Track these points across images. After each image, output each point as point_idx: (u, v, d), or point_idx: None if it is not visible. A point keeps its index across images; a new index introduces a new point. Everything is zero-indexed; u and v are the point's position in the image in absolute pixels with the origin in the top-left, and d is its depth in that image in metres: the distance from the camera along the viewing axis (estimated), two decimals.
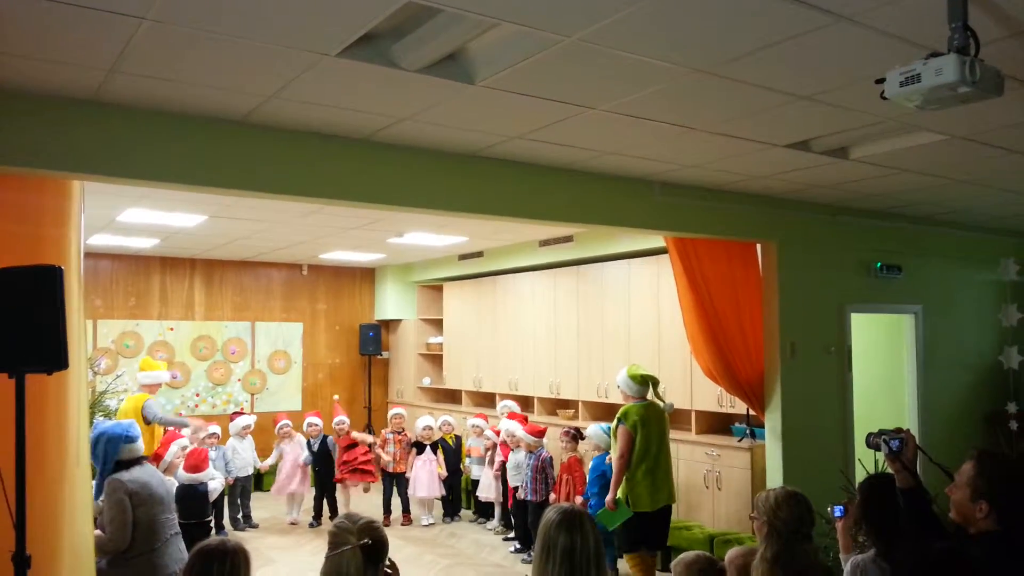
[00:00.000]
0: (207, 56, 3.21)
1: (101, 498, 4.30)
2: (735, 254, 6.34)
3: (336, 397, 10.84)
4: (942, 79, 2.47)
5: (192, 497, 5.87)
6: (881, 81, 2.71)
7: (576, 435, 7.25)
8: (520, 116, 4.03)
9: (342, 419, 8.83)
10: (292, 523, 8.62)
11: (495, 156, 4.88)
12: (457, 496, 8.94)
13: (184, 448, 6.03)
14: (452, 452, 8.83)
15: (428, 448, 8.67)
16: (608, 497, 5.96)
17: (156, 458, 5.86)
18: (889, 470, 3.23)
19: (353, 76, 3.42)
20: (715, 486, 6.75)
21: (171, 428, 7.26)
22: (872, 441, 3.13)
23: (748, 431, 6.69)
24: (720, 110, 3.95)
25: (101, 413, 7.61)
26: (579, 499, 6.79)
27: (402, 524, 8.50)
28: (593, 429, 6.83)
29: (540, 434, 7.43)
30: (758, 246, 6.45)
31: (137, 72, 3.39)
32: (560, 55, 3.20)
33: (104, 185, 5.55)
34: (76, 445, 3.76)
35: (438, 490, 8.63)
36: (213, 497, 6.25)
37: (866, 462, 6.14)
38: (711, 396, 6.98)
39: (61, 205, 3.95)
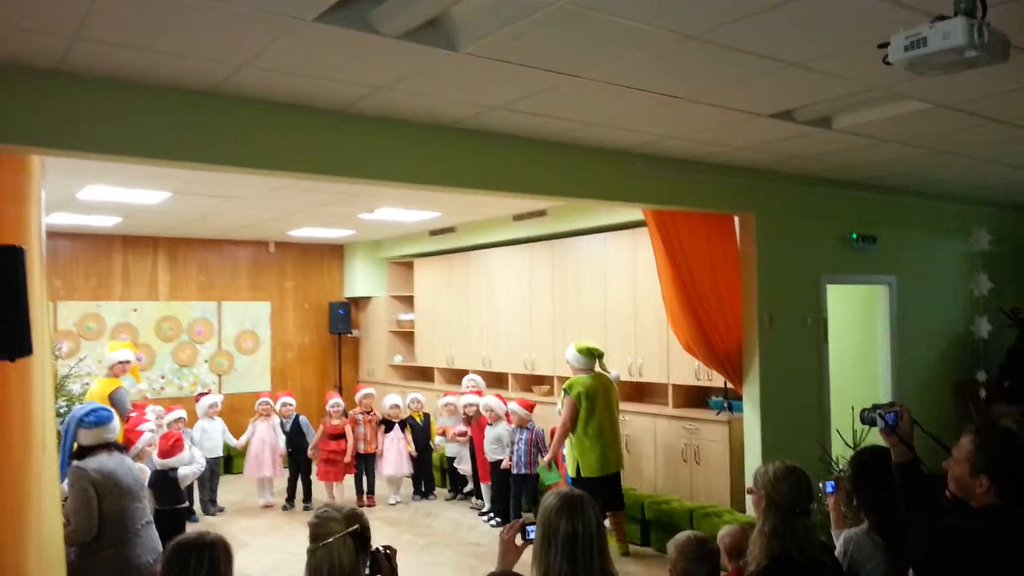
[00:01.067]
0: (176, 21, 3.03)
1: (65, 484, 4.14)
2: (713, 226, 6.29)
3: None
4: (949, 43, 2.40)
5: (166, 483, 5.69)
6: (884, 46, 2.63)
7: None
8: (503, 85, 3.90)
9: (337, 401, 8.62)
10: (265, 506, 8.46)
11: (474, 128, 4.75)
12: (429, 474, 8.84)
13: (153, 434, 5.84)
14: (421, 430, 8.74)
15: (396, 426, 8.59)
16: (545, 458, 6.57)
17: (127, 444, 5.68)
18: (871, 444, 3.21)
19: (330, 42, 3.26)
20: (693, 460, 6.75)
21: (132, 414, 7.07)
22: (867, 416, 3.08)
23: (726, 404, 6.69)
24: (707, 78, 3.86)
25: (64, 399, 7.37)
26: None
27: (367, 505, 8.31)
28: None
29: (531, 408, 7.44)
30: (736, 218, 6.41)
31: (101, 39, 3.20)
32: (546, 20, 3.07)
33: (63, 161, 5.33)
34: (42, 432, 3.59)
35: (406, 468, 8.56)
36: (187, 483, 6.05)
37: (844, 433, 6.19)
38: (688, 370, 6.96)
39: (20, 181, 3.74)
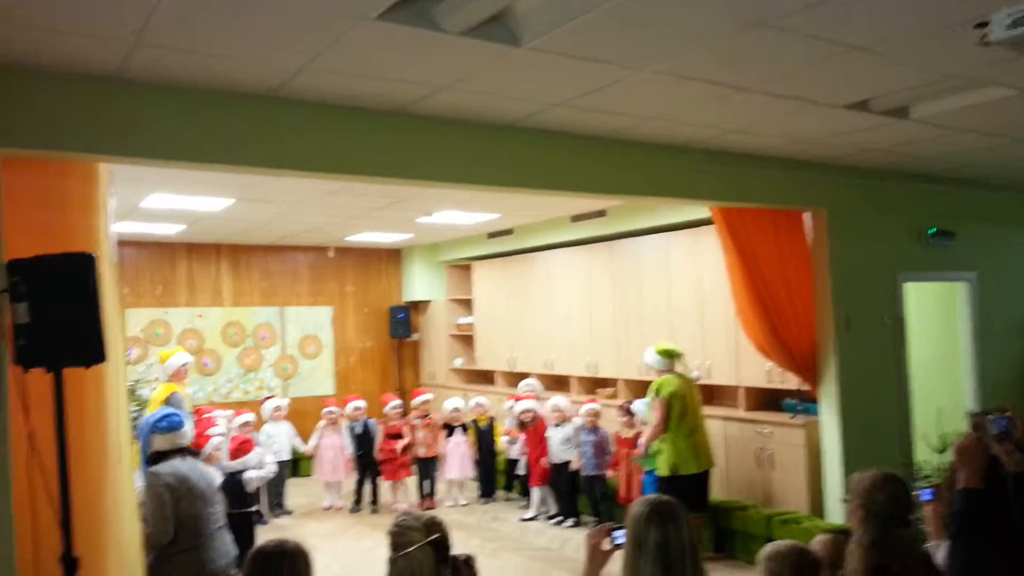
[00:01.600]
0: (237, 24, 3.01)
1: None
2: (782, 224, 6.08)
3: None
4: None
5: (235, 486, 5.71)
6: (982, 25, 2.46)
7: (631, 410, 7.13)
8: (565, 81, 3.80)
9: (397, 403, 8.63)
10: (327, 508, 8.49)
11: (534, 127, 4.66)
12: (492, 478, 8.81)
13: (222, 438, 5.88)
14: (485, 434, 8.71)
15: (458, 430, 8.56)
16: (643, 444, 6.44)
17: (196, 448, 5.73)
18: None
19: (392, 41, 3.21)
20: (768, 465, 6.53)
21: (204, 417, 7.16)
22: (976, 422, 2.87)
23: (800, 407, 6.46)
24: (775, 67, 3.71)
25: (135, 404, 7.51)
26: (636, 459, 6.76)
27: (427, 508, 8.32)
28: (637, 405, 6.93)
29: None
30: (805, 215, 6.19)
31: (161, 44, 3.20)
32: (611, 13, 2.97)
33: (126, 170, 5.38)
34: (117, 440, 3.61)
35: (469, 471, 8.54)
36: (254, 486, 6.04)
37: (930, 438, 5.92)
38: (759, 371, 6.74)
39: (87, 190, 3.79)
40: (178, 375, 7.26)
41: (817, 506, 6.14)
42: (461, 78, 3.72)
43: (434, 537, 2.37)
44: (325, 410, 8.72)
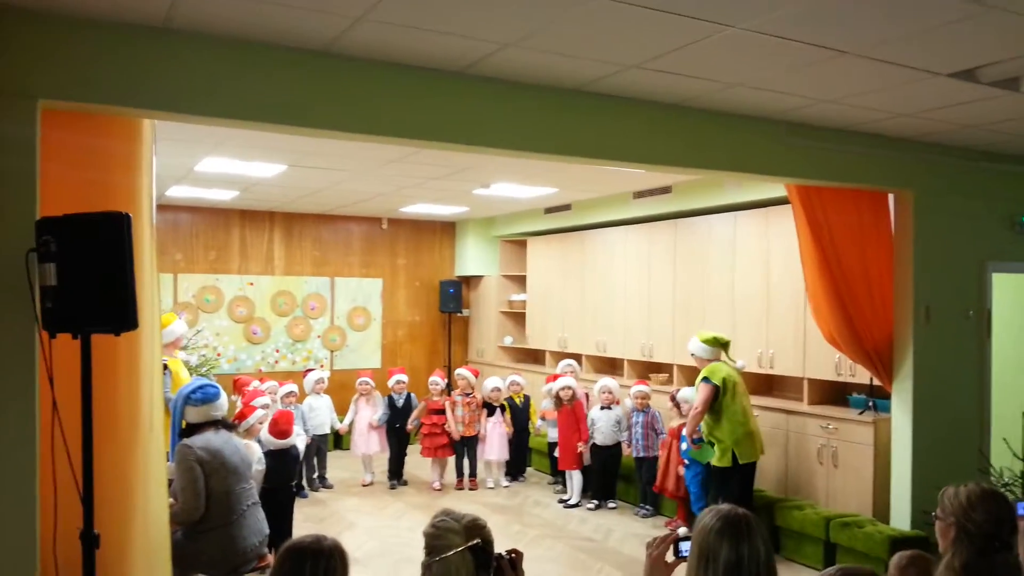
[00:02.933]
0: None
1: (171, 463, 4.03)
2: (865, 205, 5.66)
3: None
4: None
5: (281, 462, 5.55)
6: None
7: (677, 400, 6.95)
8: (643, 38, 3.45)
9: (436, 379, 8.48)
10: (365, 484, 8.36)
11: (605, 91, 4.32)
12: (523, 456, 8.73)
13: (266, 409, 5.72)
14: (520, 411, 8.57)
15: (498, 410, 8.40)
16: (687, 433, 6.38)
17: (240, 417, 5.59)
18: None
19: None
20: (830, 462, 6.15)
21: (248, 389, 7.07)
22: None
23: (870, 403, 6.06)
24: (882, 28, 3.31)
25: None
26: (682, 469, 6.67)
27: (469, 488, 8.27)
28: (688, 392, 6.74)
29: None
30: (890, 196, 5.75)
31: None
32: None
33: (180, 133, 5.26)
34: (149, 409, 3.43)
35: (506, 453, 8.41)
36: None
37: (1011, 441, 5.48)
38: (828, 363, 6.35)
39: (131, 149, 3.59)
40: (175, 344, 6.14)
41: (882, 510, 5.76)
42: (530, 33, 3.41)
43: (474, 543, 2.11)
44: (359, 381, 8.57)
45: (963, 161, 5.79)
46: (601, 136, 4.48)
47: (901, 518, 5.54)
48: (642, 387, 7.41)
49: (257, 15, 3.22)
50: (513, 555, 2.27)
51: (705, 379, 6.16)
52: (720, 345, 6.33)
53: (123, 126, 3.55)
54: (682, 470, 6.64)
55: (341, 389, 9.40)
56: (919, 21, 3.23)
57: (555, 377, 8.04)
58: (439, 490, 8.17)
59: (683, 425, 6.64)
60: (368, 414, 8.44)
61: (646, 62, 3.78)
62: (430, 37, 3.47)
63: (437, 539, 2.15)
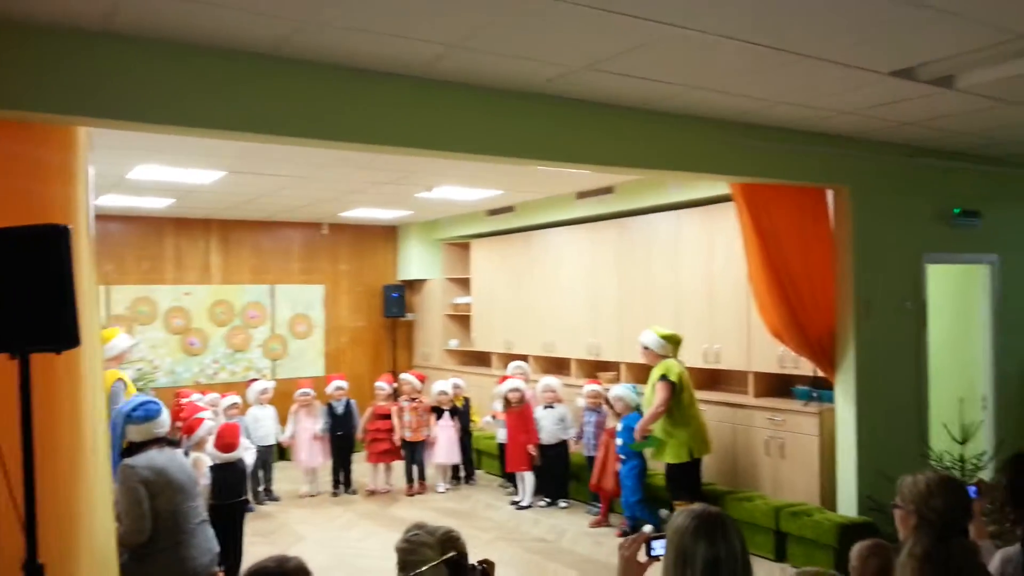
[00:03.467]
0: None
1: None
2: (805, 202, 5.78)
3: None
4: None
5: (227, 476, 5.39)
6: None
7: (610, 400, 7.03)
8: (597, 38, 3.45)
9: (382, 384, 8.42)
10: (304, 495, 8.19)
11: (555, 93, 4.32)
12: (468, 459, 8.75)
13: (213, 422, 5.56)
14: (461, 414, 8.59)
15: (446, 413, 8.39)
16: (640, 426, 6.29)
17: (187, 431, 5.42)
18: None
19: None
20: (778, 453, 6.27)
21: (185, 401, 6.85)
22: None
23: (814, 394, 6.19)
24: (825, 27, 3.38)
25: None
26: (618, 465, 6.74)
27: (416, 493, 8.26)
28: (622, 390, 6.81)
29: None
30: (828, 193, 5.89)
31: None
32: None
33: (114, 139, 5.06)
34: (92, 431, 3.28)
35: (457, 455, 8.41)
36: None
37: (951, 427, 5.66)
38: (771, 356, 6.46)
39: (65, 159, 3.43)
40: (118, 359, 5.95)
41: (829, 498, 5.89)
42: (480, 34, 3.37)
43: (449, 556, 2.06)
44: (298, 392, 8.40)
45: (898, 157, 5.96)
46: (551, 138, 4.48)
47: (848, 505, 5.68)
48: (595, 386, 7.44)
49: (201, 18, 3.12)
50: (485, 565, 2.23)
51: (663, 377, 6.23)
52: (674, 343, 6.45)
53: (58, 135, 3.39)
54: (619, 466, 6.70)
55: (284, 399, 9.19)
56: (862, 20, 3.31)
57: (507, 379, 8.01)
58: (385, 493, 8.08)
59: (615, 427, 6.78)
60: (309, 425, 8.27)
61: (599, 63, 3.78)
62: (378, 40, 3.41)
63: (411, 554, 2.10)
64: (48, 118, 3.20)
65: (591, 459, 7.26)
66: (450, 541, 2.13)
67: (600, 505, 7.17)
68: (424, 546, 2.10)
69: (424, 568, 2.05)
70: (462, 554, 2.13)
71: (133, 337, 9.10)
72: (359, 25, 3.22)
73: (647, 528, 6.41)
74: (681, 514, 2.15)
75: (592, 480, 7.02)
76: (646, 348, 6.49)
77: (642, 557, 2.33)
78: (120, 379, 5.77)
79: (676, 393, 6.19)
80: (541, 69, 3.88)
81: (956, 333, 6.95)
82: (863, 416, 5.73)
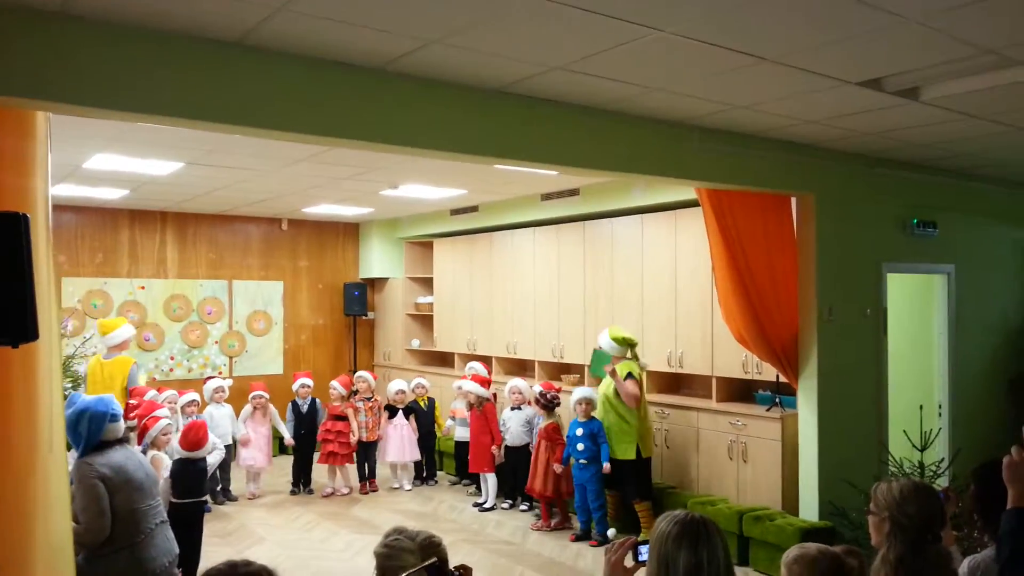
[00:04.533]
0: None
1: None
2: (770, 208, 5.83)
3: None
4: None
5: (188, 474, 5.24)
6: None
7: (550, 404, 7.02)
8: (572, 38, 3.43)
9: (335, 385, 8.33)
10: (252, 496, 8.04)
11: (524, 92, 4.28)
12: (431, 459, 8.74)
13: (169, 420, 5.41)
14: (425, 414, 8.59)
15: (400, 412, 8.37)
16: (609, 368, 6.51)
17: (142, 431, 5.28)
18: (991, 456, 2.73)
19: None
20: (740, 458, 6.32)
21: (145, 399, 6.67)
22: None
23: (776, 399, 6.25)
24: (798, 35, 3.40)
25: (69, 379, 6.96)
26: (558, 467, 6.75)
27: (371, 491, 8.26)
28: (586, 392, 6.71)
29: (487, 384, 7.49)
30: (793, 200, 5.95)
31: None
32: None
33: (71, 128, 4.91)
34: (49, 428, 3.16)
35: (409, 454, 8.37)
36: (210, 472, 5.53)
37: (911, 433, 5.75)
38: (735, 361, 6.52)
39: (23, 147, 3.28)
40: (123, 346, 7.24)
41: (791, 502, 5.96)
42: (455, 30, 3.33)
43: (430, 562, 2.02)
44: (252, 394, 8.24)
45: (861, 167, 6.06)
46: (520, 137, 4.44)
47: (810, 510, 5.74)
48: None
49: (166, 2, 3.01)
50: (461, 571, 2.19)
51: (630, 375, 6.39)
52: (629, 346, 6.57)
53: (15, 120, 3.24)
54: (559, 468, 6.72)
55: (241, 397, 9.02)
56: (834, 30, 3.33)
57: (465, 379, 7.96)
58: (332, 495, 7.99)
59: (552, 425, 6.88)
60: (260, 428, 8.12)
61: (570, 63, 3.76)
62: (350, 31, 3.34)
63: (390, 559, 2.04)
64: (2, 101, 3.07)
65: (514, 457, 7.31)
66: (431, 547, 2.08)
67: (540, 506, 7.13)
68: (404, 551, 2.05)
69: (404, 574, 1.99)
70: (443, 560, 2.08)
71: (85, 330, 8.90)
72: (333, 15, 3.15)
73: (611, 533, 6.42)
74: (664, 519, 2.13)
75: (528, 483, 6.98)
76: (600, 348, 6.65)
77: (628, 562, 2.31)
78: (135, 363, 7.18)
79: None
80: (513, 67, 3.84)
81: (915, 341, 7.09)
82: (824, 422, 5.80)
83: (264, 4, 3.05)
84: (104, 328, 7.29)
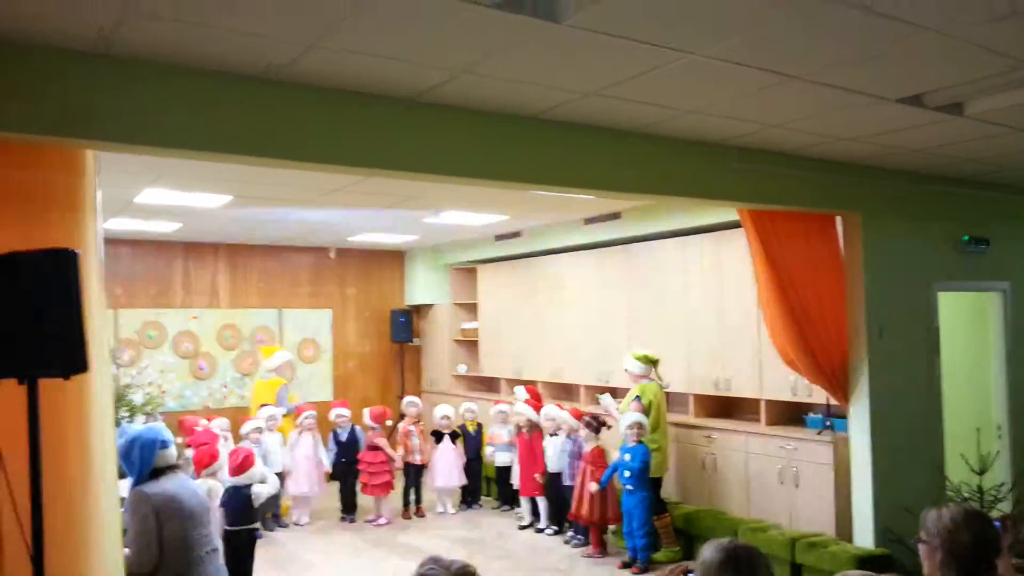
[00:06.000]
0: None
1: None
2: (814, 228, 5.75)
3: None
4: None
5: (239, 501, 5.32)
6: None
7: (598, 425, 6.93)
8: (605, 65, 3.45)
9: (378, 411, 8.38)
10: (298, 523, 8.10)
11: (558, 119, 4.31)
12: (477, 484, 8.73)
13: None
14: (473, 439, 8.64)
15: (447, 437, 8.45)
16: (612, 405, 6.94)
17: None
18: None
19: (414, 13, 2.86)
20: (792, 483, 6.19)
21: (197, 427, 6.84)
22: None
23: (827, 422, 6.12)
24: (832, 53, 3.36)
25: (125, 408, 7.13)
26: (593, 486, 6.64)
27: (416, 516, 8.29)
28: (636, 417, 6.57)
29: (580, 418, 7.17)
30: (838, 220, 5.86)
31: (153, 13, 2.83)
32: None
33: (120, 163, 5.07)
34: (101, 457, 3.25)
35: (457, 479, 8.42)
36: (260, 501, 5.57)
37: (969, 457, 5.58)
38: (784, 384, 6.40)
39: (73, 183, 3.42)
40: (282, 370, 8.43)
41: (845, 529, 5.80)
42: (488, 60, 3.37)
43: None
44: (304, 415, 8.29)
45: (908, 184, 5.94)
46: (555, 163, 4.46)
47: (864, 536, 5.59)
48: (558, 414, 7.44)
49: (204, 39, 3.11)
50: None
51: (637, 399, 6.73)
52: (651, 363, 6.86)
53: (65, 158, 3.38)
54: (594, 487, 6.61)
55: (291, 423, 9.15)
56: (869, 47, 3.29)
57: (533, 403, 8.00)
58: (384, 524, 8.00)
59: (597, 449, 6.78)
60: (308, 452, 8.18)
61: (604, 89, 3.78)
62: (385, 64, 3.41)
63: None
64: (48, 140, 3.18)
65: (569, 488, 7.13)
66: (466, 575, 2.08)
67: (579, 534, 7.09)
68: None
69: None
70: None
71: (141, 361, 9.13)
72: (364, 48, 3.22)
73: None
74: (709, 547, 2.11)
75: (574, 509, 6.89)
76: (628, 371, 6.92)
77: None
78: (283, 384, 8.39)
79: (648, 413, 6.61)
80: (546, 94, 3.87)
81: (970, 361, 6.88)
82: (878, 445, 5.66)
83: (297, 42, 3.13)
84: (265, 353, 8.57)
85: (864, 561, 5.16)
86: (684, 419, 7.22)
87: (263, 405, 8.17)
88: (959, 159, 5.55)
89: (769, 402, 6.62)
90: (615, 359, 8.17)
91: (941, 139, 4.91)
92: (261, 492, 5.46)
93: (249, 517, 5.38)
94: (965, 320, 6.91)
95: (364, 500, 8.36)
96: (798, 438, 6.19)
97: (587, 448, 6.89)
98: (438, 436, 8.45)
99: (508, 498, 8.37)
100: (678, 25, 3.00)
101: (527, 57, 3.33)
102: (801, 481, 6.12)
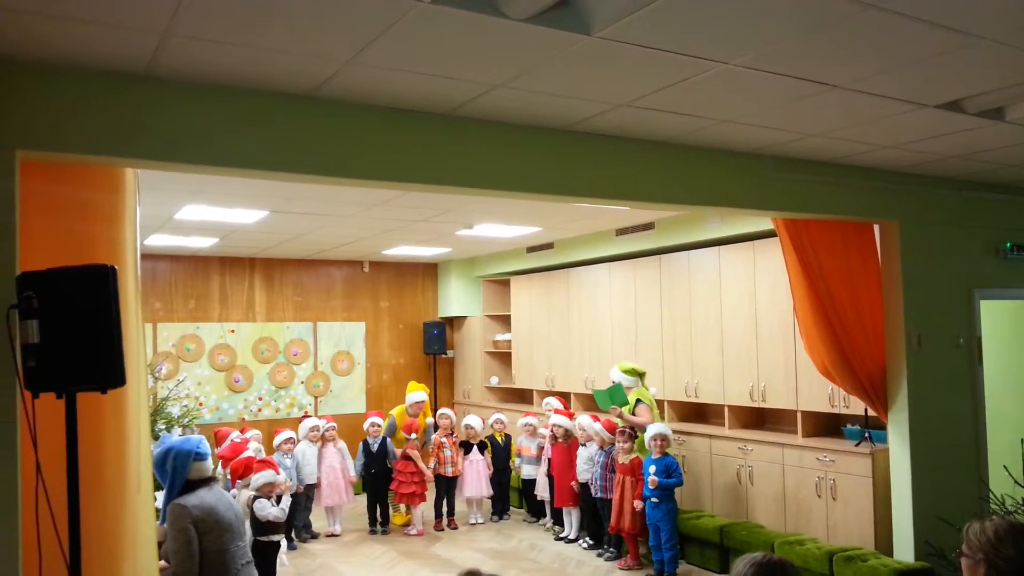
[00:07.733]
0: (279, 9, 2.69)
1: (164, 523, 3.85)
2: (851, 237, 5.66)
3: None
4: None
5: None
6: None
7: (634, 434, 6.89)
8: (637, 76, 3.44)
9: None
10: (331, 535, 8.13)
11: (592, 130, 4.31)
12: (506, 494, 8.77)
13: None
14: (501, 449, 8.67)
15: (475, 447, 8.52)
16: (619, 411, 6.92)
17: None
18: None
19: (448, 29, 2.88)
20: (829, 495, 6.08)
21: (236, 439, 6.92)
22: None
23: (866, 434, 6.01)
24: (868, 61, 3.32)
25: (163, 421, 7.24)
26: (639, 504, 6.58)
27: (449, 527, 8.31)
28: (661, 428, 6.60)
29: (614, 430, 7.12)
30: (875, 228, 5.77)
31: (194, 35, 2.89)
32: None
33: (160, 181, 5.17)
34: (137, 469, 3.29)
35: (486, 489, 8.47)
36: (267, 518, 5.53)
37: (1013, 468, 5.45)
38: (821, 395, 6.30)
39: (114, 199, 3.49)
40: (414, 408, 8.52)
41: (885, 542, 5.68)
42: (520, 74, 3.38)
43: None
44: (326, 426, 8.31)
45: (947, 191, 5.84)
46: (590, 175, 4.45)
47: (905, 550, 5.47)
48: (589, 424, 7.42)
49: (244, 60, 3.17)
50: None
51: (640, 401, 6.90)
52: (638, 375, 7.13)
53: (105, 176, 3.46)
54: (639, 505, 6.55)
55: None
56: (906, 53, 3.25)
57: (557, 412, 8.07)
58: (416, 535, 8.01)
59: (636, 460, 6.71)
60: (339, 466, 8.22)
61: (637, 100, 3.77)
62: (419, 80, 3.44)
63: None
64: (92, 160, 3.26)
65: (601, 500, 7.11)
66: None
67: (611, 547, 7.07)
68: None
69: None
70: None
71: (179, 374, 9.26)
72: (399, 64, 3.25)
73: None
74: (742, 561, 2.07)
75: (612, 522, 6.86)
76: (617, 383, 7.04)
77: None
78: (394, 416, 8.61)
79: None
80: (579, 106, 3.87)
81: (1015, 370, 6.72)
82: (918, 457, 5.54)
83: (334, 59, 3.17)
84: (409, 388, 8.81)
85: (903, 574, 5.04)
86: (719, 431, 7.15)
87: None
88: (999, 165, 5.44)
89: (805, 413, 6.52)
90: (649, 371, 8.10)
91: (981, 145, 4.82)
92: (270, 514, 5.45)
93: (269, 528, 5.39)
94: (1008, 328, 6.76)
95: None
96: (835, 450, 6.08)
97: (624, 460, 6.84)
98: (466, 447, 8.53)
99: (535, 510, 8.42)
100: (706, 35, 2.98)
101: (559, 70, 3.33)
102: (839, 494, 6.01)
